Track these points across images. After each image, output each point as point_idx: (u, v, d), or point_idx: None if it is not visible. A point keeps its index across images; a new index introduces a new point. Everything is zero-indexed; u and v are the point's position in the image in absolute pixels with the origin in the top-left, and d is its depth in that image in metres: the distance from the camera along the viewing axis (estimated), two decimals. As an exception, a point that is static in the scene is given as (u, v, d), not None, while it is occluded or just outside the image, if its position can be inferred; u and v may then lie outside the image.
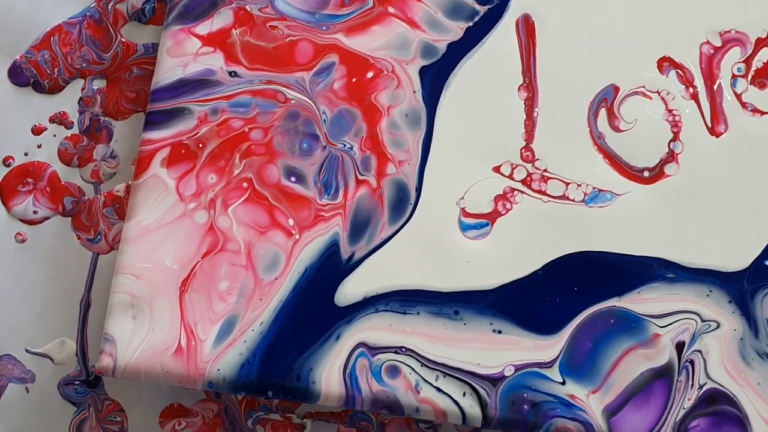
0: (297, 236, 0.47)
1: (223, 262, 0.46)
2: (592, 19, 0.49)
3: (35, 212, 0.51)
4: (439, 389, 0.45)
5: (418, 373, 0.45)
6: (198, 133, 0.48)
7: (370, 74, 0.49)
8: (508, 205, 0.48)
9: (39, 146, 0.52)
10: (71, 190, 0.52)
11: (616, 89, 0.49)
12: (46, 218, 0.51)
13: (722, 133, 0.48)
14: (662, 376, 0.45)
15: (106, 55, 0.53)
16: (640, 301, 0.46)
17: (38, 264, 0.51)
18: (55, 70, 0.53)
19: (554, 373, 0.45)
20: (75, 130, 0.52)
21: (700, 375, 0.45)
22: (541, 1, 0.50)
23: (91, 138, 0.52)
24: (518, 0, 0.50)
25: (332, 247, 0.47)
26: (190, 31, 0.49)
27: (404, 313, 0.46)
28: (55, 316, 0.50)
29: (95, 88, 0.53)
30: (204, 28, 0.49)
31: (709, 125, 0.48)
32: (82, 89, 0.53)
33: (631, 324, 0.46)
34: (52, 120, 0.52)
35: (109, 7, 0.54)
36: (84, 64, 0.53)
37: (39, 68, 0.53)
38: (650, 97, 0.49)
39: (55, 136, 0.52)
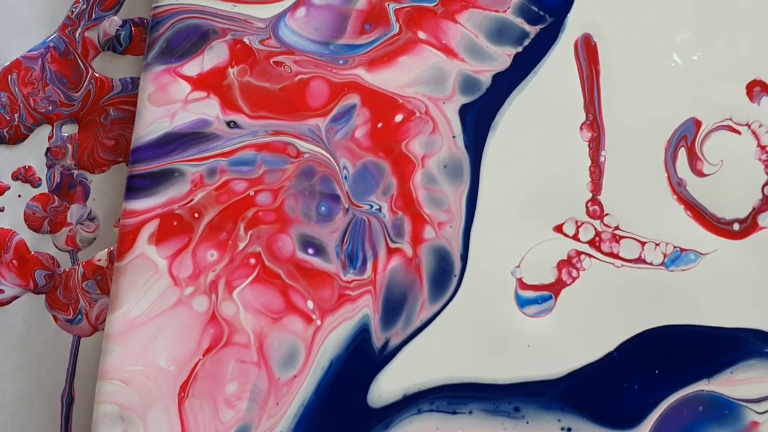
0: (318, 322, 0.38)
1: (230, 358, 0.37)
2: (665, 37, 0.40)
3: (1, 291, 0.42)
4: (499, 504, 0.37)
5: (473, 486, 0.37)
6: (192, 200, 0.38)
7: (399, 117, 0.39)
8: (575, 273, 0.39)
9: (1, 209, 0.43)
10: (43, 261, 0.42)
11: (698, 124, 0.40)
12: (15, 297, 0.42)
13: (829, 175, 0.39)
14: (763, 471, 0.37)
15: (76, 94, 0.43)
16: (734, 383, 0.38)
17: (9, 353, 0.42)
18: (15, 115, 0.43)
19: (635, 475, 0.37)
20: (44, 189, 0.43)
21: (808, 469, 0.37)
22: (604, 17, 0.40)
23: (64, 197, 0.43)
24: (577, 17, 0.40)
25: (362, 334, 0.38)
26: (177, 71, 0.39)
27: (454, 412, 0.37)
28: (33, 415, 0.41)
29: (65, 135, 0.43)
30: (193, 67, 0.39)
31: (811, 163, 0.40)
32: (50, 138, 0.43)
33: (723, 411, 0.38)
34: (15, 177, 0.43)
35: (77, 35, 0.44)
36: (50, 107, 0.43)
37: (-4, 115, 0.43)
38: (739, 132, 0.40)
39: (20, 196, 0.43)
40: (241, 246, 0.38)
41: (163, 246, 0.38)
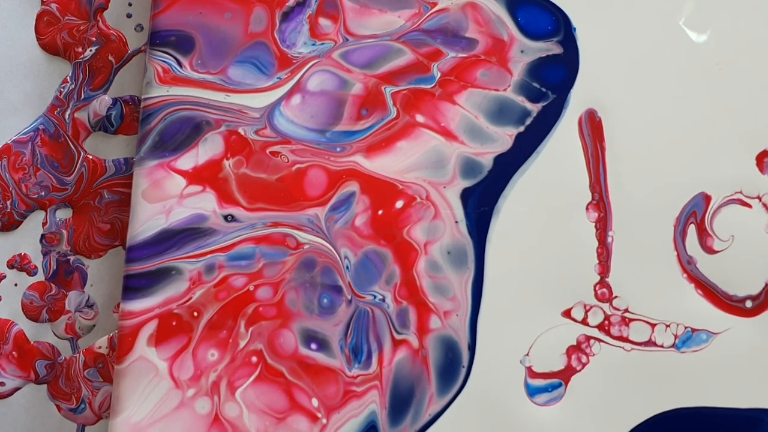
0: (324, 420, 0.37)
1: (237, 460, 0.36)
2: (672, 110, 0.38)
3: (2, 384, 0.41)
4: None
5: None
6: (191, 298, 0.37)
7: (399, 204, 0.38)
8: (584, 359, 0.37)
9: (-2, 300, 0.42)
10: (43, 351, 0.41)
11: (707, 198, 0.38)
12: (17, 389, 0.41)
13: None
14: None
15: (69, 178, 0.42)
16: (750, 464, 0.37)
17: (12, 445, 0.41)
18: (8, 202, 0.42)
19: None
20: (40, 277, 0.42)
21: None
22: (609, 91, 0.38)
23: (61, 284, 0.42)
24: (580, 92, 0.38)
25: (369, 431, 0.37)
26: (171, 166, 0.37)
27: (465, 507, 0.36)
28: (39, 507, 0.40)
29: (59, 220, 0.42)
30: (188, 161, 0.38)
31: (824, 235, 0.38)
32: (44, 224, 0.42)
33: (739, 492, 0.37)
34: (10, 265, 0.42)
35: (66, 116, 0.42)
36: (42, 192, 0.42)
37: (-13, 203, 0.42)
38: (749, 205, 0.38)
39: (16, 285, 0.42)
40: (242, 344, 0.37)
41: (163, 347, 0.37)
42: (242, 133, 0.38)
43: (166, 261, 0.37)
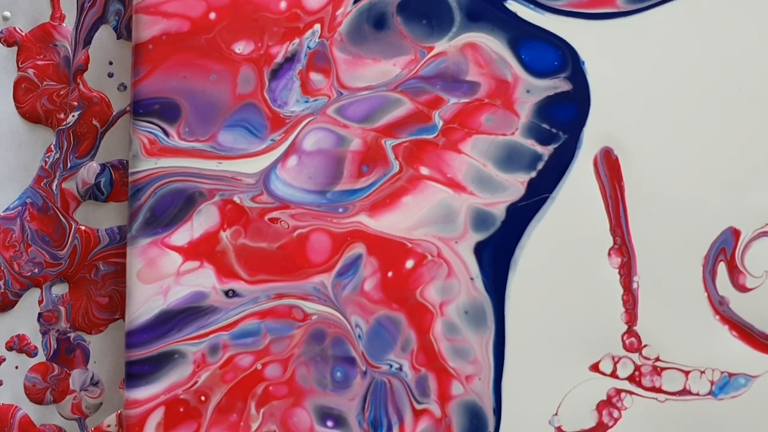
0: (348, 499, 0.34)
1: None
2: (692, 142, 0.35)
3: (10, 472, 0.39)
4: None
5: None
6: (197, 382, 0.34)
7: (409, 263, 0.35)
8: (616, 413, 0.35)
9: (-1, 385, 0.39)
10: (50, 434, 0.39)
11: (737, 233, 0.35)
12: (25, 476, 0.39)
13: None
14: None
15: (62, 252, 0.39)
16: None
17: None
18: (1, 282, 0.39)
19: None
20: (41, 357, 0.39)
21: None
22: (624, 126, 0.35)
23: (63, 363, 0.39)
24: (593, 130, 0.35)
25: (396, 507, 0.34)
26: (165, 242, 0.35)
27: None
28: None
29: (56, 296, 0.39)
30: (182, 236, 0.35)
31: None
32: (40, 302, 0.39)
33: None
34: (9, 347, 0.39)
35: (54, 187, 0.39)
36: (36, 270, 0.39)
37: (-21, 285, 0.39)
38: (782, 236, 0.35)
39: (17, 368, 0.39)
40: (254, 426, 0.34)
41: (172, 435, 0.34)
42: (238, 201, 0.35)
43: (167, 344, 0.34)
